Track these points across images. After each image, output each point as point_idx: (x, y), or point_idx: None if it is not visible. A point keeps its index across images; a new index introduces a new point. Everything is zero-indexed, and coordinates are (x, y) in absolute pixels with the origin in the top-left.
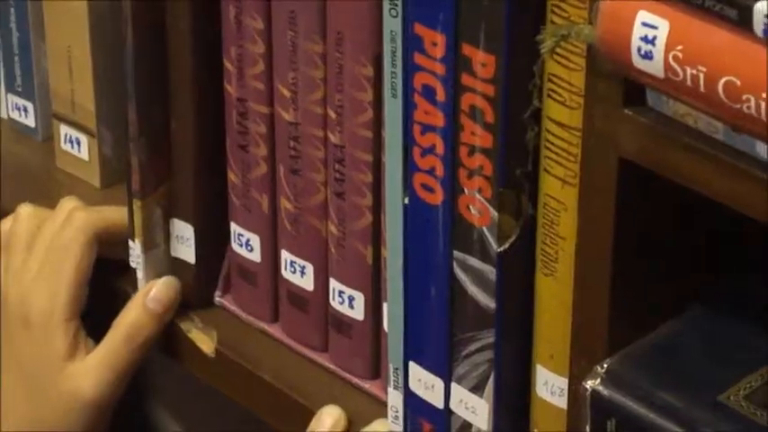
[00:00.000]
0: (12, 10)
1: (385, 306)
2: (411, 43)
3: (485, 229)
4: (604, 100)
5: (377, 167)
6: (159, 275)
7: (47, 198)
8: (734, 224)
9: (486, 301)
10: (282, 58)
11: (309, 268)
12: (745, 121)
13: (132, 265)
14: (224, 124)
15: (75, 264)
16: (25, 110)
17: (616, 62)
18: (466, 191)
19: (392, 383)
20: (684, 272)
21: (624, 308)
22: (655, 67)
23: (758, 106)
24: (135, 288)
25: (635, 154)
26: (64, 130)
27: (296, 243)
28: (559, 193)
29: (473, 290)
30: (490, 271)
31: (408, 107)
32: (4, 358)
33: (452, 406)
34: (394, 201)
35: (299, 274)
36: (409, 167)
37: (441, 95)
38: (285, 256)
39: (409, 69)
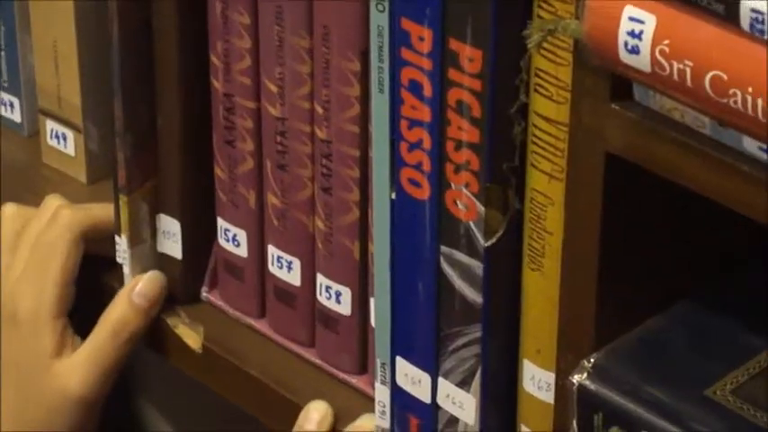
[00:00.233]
0: None
1: (372, 301)
2: (398, 38)
3: (472, 223)
4: (591, 95)
5: (364, 163)
6: (146, 271)
7: (33, 193)
8: (722, 219)
9: (473, 296)
10: (269, 54)
11: (296, 263)
12: (731, 115)
13: (119, 260)
14: (210, 119)
15: (62, 262)
16: (11, 105)
17: (603, 57)
18: (453, 186)
19: (379, 378)
20: (671, 267)
21: (611, 303)
22: (641, 62)
23: (745, 101)
24: (121, 284)
25: (622, 149)
26: (50, 125)
27: (283, 238)
28: (546, 187)
29: (460, 285)
30: (477, 266)
31: (395, 102)
32: None
33: (439, 401)
34: (381, 196)
35: (285, 269)
36: (396, 162)
37: (428, 90)
38: (272, 251)
39: (396, 64)
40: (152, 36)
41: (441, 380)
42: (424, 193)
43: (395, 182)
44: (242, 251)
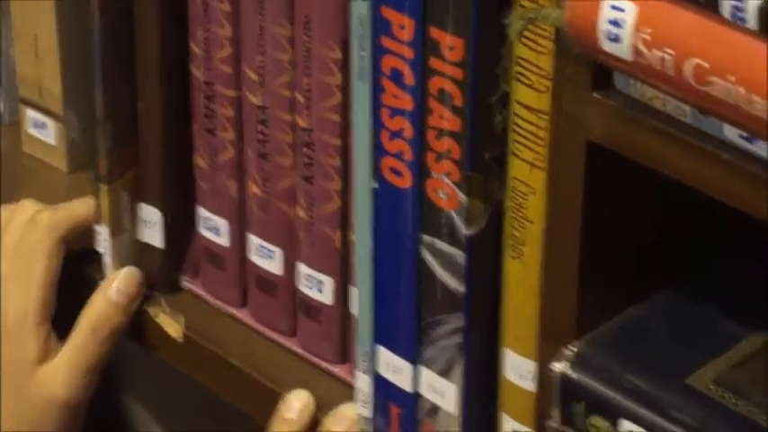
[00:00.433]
0: None
1: (353, 290)
2: (379, 27)
3: (453, 212)
4: (572, 83)
5: (345, 151)
6: (127, 260)
7: (13, 183)
8: (703, 208)
9: (455, 285)
10: (250, 42)
11: (278, 252)
12: (712, 103)
13: (99, 250)
14: (191, 108)
15: (44, 267)
16: None
17: (584, 45)
18: (434, 175)
19: (361, 367)
20: (653, 256)
21: (592, 291)
22: (622, 51)
23: (726, 89)
24: (102, 274)
25: (603, 137)
26: (30, 114)
27: (264, 227)
28: (528, 176)
29: (441, 274)
30: (459, 255)
31: (376, 91)
32: None
33: (421, 389)
34: (362, 185)
35: (267, 258)
36: (377, 151)
37: (409, 79)
38: (253, 240)
39: (377, 53)
40: (133, 25)
41: (422, 368)
42: (405, 181)
43: (376, 171)
44: (223, 240)
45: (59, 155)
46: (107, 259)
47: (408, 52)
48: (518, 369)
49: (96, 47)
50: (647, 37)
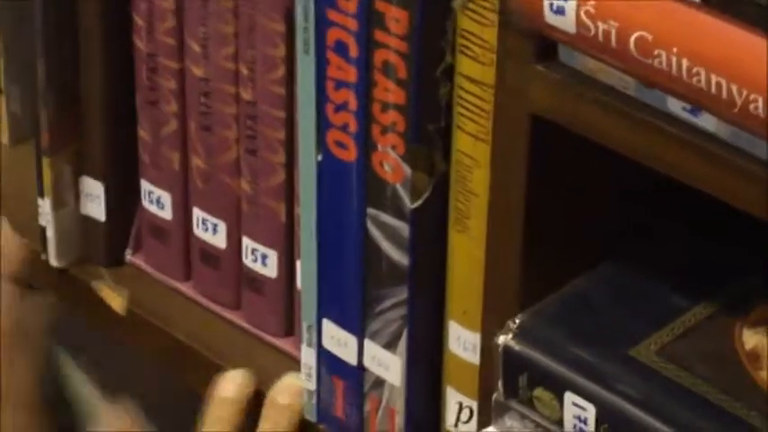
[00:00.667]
0: None
1: (298, 263)
2: None
3: (398, 185)
4: (515, 55)
5: (290, 124)
6: (69, 234)
7: None
8: (647, 180)
9: (400, 258)
10: (193, 13)
11: (222, 226)
12: (656, 75)
13: (42, 223)
14: (134, 80)
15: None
16: None
17: (528, 18)
18: (379, 147)
19: (305, 341)
20: (597, 228)
21: (536, 264)
22: (566, 23)
23: (669, 61)
24: (45, 248)
25: (546, 110)
26: None
27: (208, 200)
28: (472, 149)
29: (386, 246)
30: (403, 227)
31: (321, 63)
32: None
33: (365, 362)
34: (307, 158)
35: (211, 231)
36: (322, 124)
37: (354, 51)
38: (197, 213)
39: (322, 25)
40: None
41: (367, 341)
42: (350, 154)
43: (321, 144)
44: (166, 213)
45: (1, 128)
46: (49, 233)
47: (353, 24)
48: (463, 342)
49: (37, 18)
50: (592, 9)
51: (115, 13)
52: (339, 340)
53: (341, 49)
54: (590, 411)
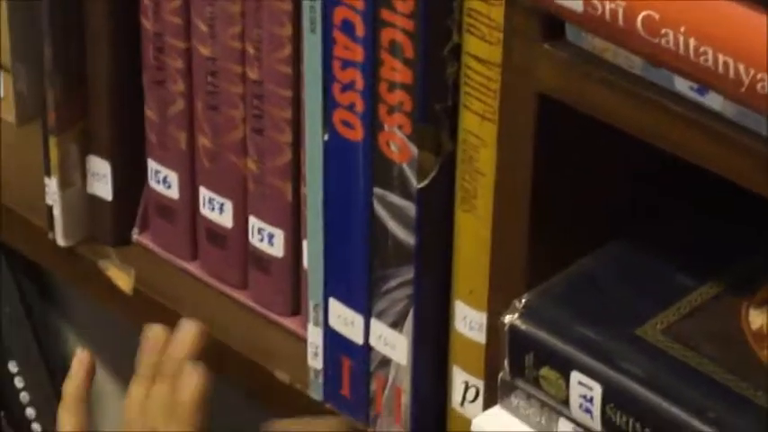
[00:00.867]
0: None
1: (305, 243)
2: None
3: (405, 165)
4: (522, 35)
5: (296, 103)
6: (76, 213)
7: None
8: (655, 160)
9: (406, 238)
10: None
11: (228, 205)
12: (663, 55)
13: (48, 203)
14: (141, 60)
15: None
16: None
17: None
18: (386, 127)
19: (312, 320)
20: (604, 208)
21: (543, 243)
22: (574, 2)
23: (676, 40)
24: (51, 227)
25: (553, 89)
26: None
27: (214, 180)
28: (479, 128)
29: (393, 226)
30: (410, 207)
31: (328, 42)
32: None
33: (372, 342)
34: (314, 137)
35: (217, 211)
36: (329, 103)
37: (360, 30)
38: (204, 192)
39: (328, 4)
40: None
41: (373, 321)
42: (357, 134)
43: (327, 123)
44: (173, 193)
45: (8, 107)
46: (56, 213)
47: (359, 3)
48: (469, 321)
49: None
50: None
51: None
52: (345, 319)
53: (347, 28)
54: (596, 390)
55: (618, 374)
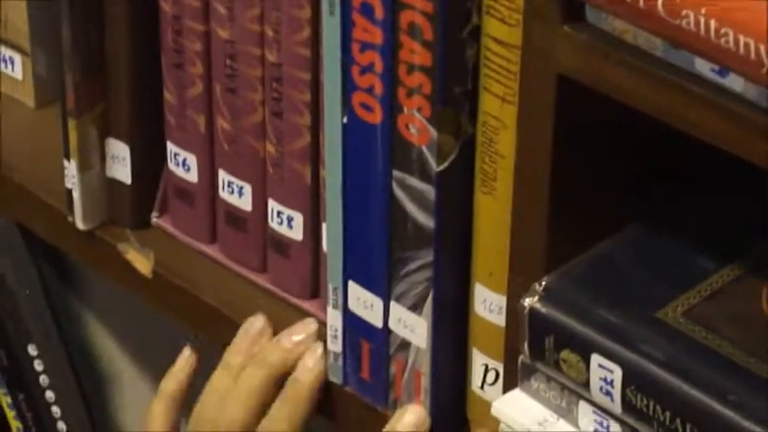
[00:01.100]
0: None
1: (324, 226)
2: None
3: (424, 147)
4: (543, 17)
5: (315, 86)
6: (95, 196)
7: None
8: (675, 142)
9: (425, 221)
10: None
11: (247, 188)
12: (684, 36)
13: (68, 186)
14: (160, 42)
15: None
16: None
17: None
18: (405, 110)
19: (331, 303)
20: (624, 190)
21: (563, 226)
22: None
23: (698, 22)
24: (71, 210)
25: (574, 71)
26: None
27: (233, 163)
28: (499, 111)
29: (412, 209)
30: (429, 190)
31: (346, 25)
32: None
33: (391, 325)
34: (333, 120)
35: (236, 194)
36: (348, 86)
37: (379, 13)
38: (223, 176)
39: None
40: None
41: (393, 304)
42: (375, 117)
43: (346, 106)
44: (192, 176)
45: (26, 90)
46: (75, 196)
47: None
48: (489, 304)
49: None
50: None
51: None
52: (365, 302)
53: (366, 10)
54: (616, 373)
55: (638, 357)
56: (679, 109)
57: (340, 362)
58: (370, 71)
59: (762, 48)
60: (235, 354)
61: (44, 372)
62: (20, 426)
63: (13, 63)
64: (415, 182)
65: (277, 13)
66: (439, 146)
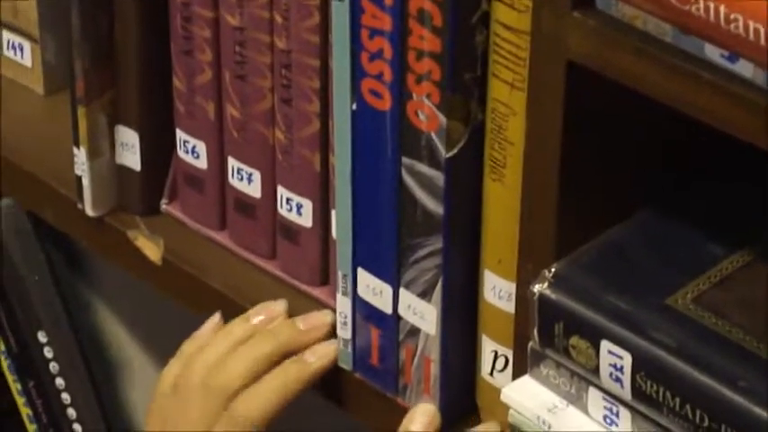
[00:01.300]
0: None
1: (333, 213)
2: None
3: (433, 134)
4: (552, 3)
5: (324, 73)
6: (105, 183)
7: None
8: (684, 128)
9: (435, 207)
10: None
11: (256, 175)
12: (694, 22)
13: (77, 173)
14: (169, 29)
15: None
16: None
17: None
18: (414, 96)
19: (341, 290)
20: (633, 177)
21: (572, 212)
22: None
23: (707, 8)
24: (81, 197)
25: (583, 57)
26: (6, 36)
27: (243, 150)
28: (508, 97)
29: (421, 196)
30: (438, 177)
31: (356, 11)
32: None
33: (401, 311)
34: (342, 107)
35: (246, 181)
36: (357, 73)
37: None
38: (232, 163)
39: None
40: None
41: (402, 290)
42: (385, 103)
43: (356, 93)
44: (201, 163)
45: (36, 77)
46: (85, 183)
47: None
48: (498, 291)
49: None
50: None
51: None
52: (374, 289)
53: None
54: (626, 359)
55: (648, 343)
56: (689, 95)
57: (349, 348)
58: (380, 57)
59: None
60: (255, 315)
61: (54, 359)
62: (30, 412)
63: (22, 50)
64: (424, 168)
65: None
66: (448, 132)
